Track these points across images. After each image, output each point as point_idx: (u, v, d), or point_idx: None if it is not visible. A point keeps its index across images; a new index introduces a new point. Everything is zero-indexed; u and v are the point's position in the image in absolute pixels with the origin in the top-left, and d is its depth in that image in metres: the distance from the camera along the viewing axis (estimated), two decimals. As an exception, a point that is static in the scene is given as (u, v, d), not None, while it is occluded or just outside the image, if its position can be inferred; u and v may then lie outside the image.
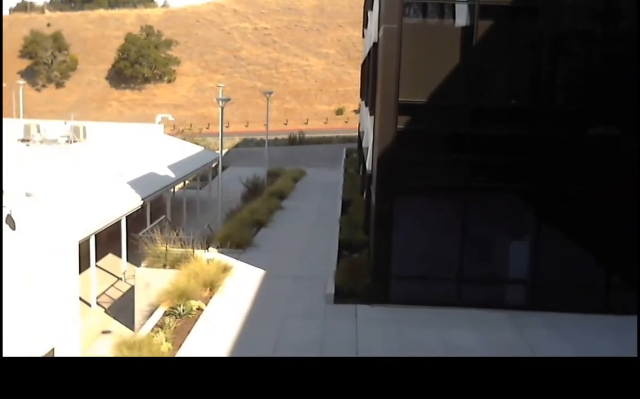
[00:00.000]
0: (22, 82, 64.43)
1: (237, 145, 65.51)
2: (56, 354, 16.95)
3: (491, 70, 15.24)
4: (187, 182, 37.63)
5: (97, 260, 23.85)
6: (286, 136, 66.92)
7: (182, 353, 12.42)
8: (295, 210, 28.71)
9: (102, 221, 22.72)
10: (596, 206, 14.98)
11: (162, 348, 12.20)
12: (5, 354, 14.63)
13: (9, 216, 15.12)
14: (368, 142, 19.95)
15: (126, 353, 11.61)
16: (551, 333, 13.76)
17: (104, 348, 14.71)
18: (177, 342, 12.90)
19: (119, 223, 24.72)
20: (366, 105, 25.77)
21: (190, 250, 18.29)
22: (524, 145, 15.03)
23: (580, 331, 13.89)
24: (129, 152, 34.56)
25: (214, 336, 13.38)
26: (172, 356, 12.15)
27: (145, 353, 11.56)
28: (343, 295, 15.62)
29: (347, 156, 47.09)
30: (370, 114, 19.88)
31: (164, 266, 17.59)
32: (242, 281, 17.19)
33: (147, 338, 12.62)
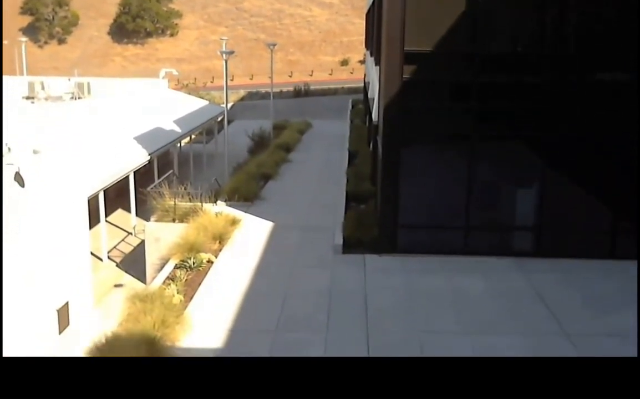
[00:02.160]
0: (24, 39, 63.94)
1: (242, 99, 65.32)
2: (70, 307, 17.30)
3: (497, 17, 15.06)
4: (193, 136, 37.63)
5: (106, 215, 24.08)
6: (291, 88, 66.60)
7: (193, 304, 12.64)
8: (301, 162, 28.75)
9: (110, 177, 22.88)
10: (602, 152, 14.96)
11: (174, 299, 12.42)
12: (21, 311, 14.97)
13: (17, 173, 15.27)
14: (374, 92, 19.83)
15: (139, 306, 11.82)
16: (557, 279, 13.91)
17: (117, 301, 14.99)
18: (189, 294, 13.13)
19: (127, 178, 24.88)
20: (371, 55, 25.54)
21: (199, 203, 18.44)
22: (530, 92, 14.94)
23: (587, 276, 14.03)
24: (134, 107, 34.49)
25: (224, 288, 13.60)
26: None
27: (157, 305, 11.75)
28: (351, 245, 15.77)
29: (352, 107, 46.84)
30: (376, 64, 19.73)
31: (173, 220, 17.76)
32: (251, 233, 17.36)
33: (159, 291, 12.84)
